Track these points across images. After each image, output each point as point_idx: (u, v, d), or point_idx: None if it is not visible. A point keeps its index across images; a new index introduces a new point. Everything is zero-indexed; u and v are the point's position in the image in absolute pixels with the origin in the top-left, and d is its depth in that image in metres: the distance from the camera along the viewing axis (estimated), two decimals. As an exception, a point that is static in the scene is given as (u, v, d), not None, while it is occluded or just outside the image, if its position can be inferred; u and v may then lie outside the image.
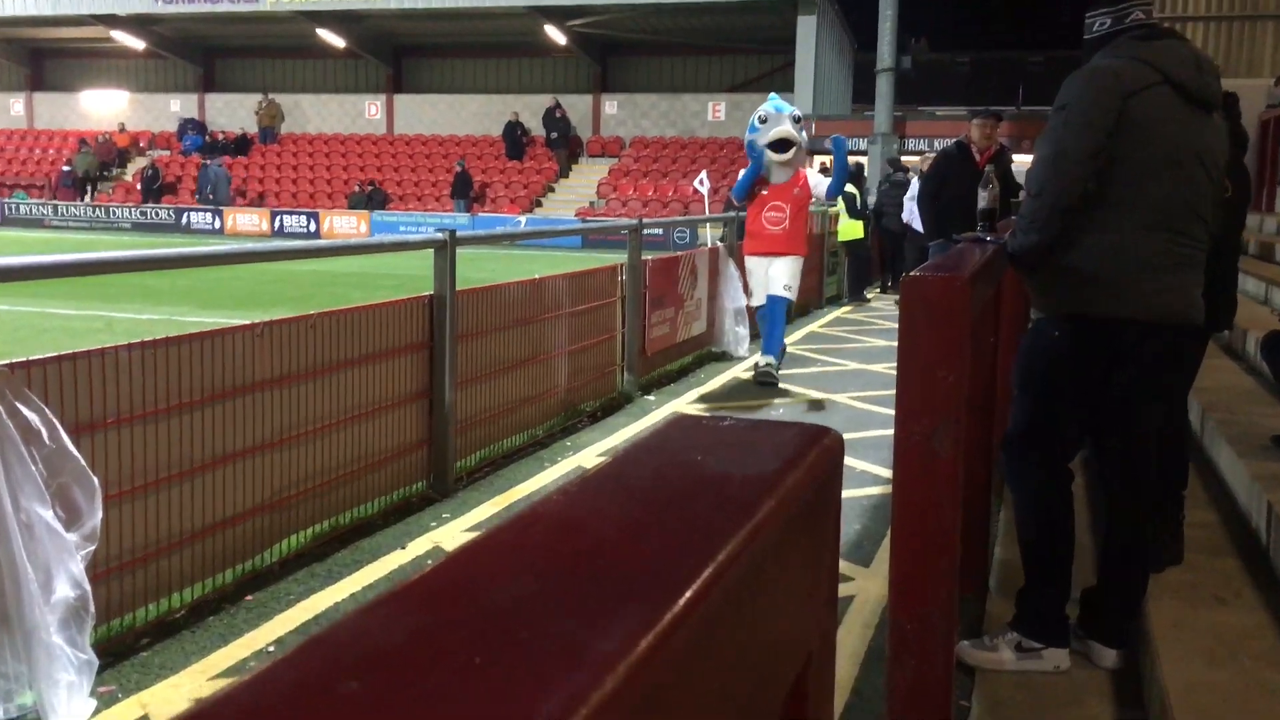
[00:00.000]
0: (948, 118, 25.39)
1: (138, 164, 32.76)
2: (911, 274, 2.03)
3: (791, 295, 8.30)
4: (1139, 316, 3.03)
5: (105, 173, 32.04)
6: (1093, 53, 3.20)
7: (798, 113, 8.46)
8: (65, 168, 31.16)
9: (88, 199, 30.39)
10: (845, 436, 0.84)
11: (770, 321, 8.25)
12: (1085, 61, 3.23)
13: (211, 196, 29.26)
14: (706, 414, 5.92)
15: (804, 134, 8.48)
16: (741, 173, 8.54)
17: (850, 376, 8.71)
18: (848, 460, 5.51)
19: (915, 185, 11.75)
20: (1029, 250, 3.11)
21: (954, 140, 8.79)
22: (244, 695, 0.38)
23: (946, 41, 38.44)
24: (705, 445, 0.75)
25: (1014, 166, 8.91)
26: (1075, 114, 3.02)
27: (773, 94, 8.85)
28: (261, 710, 0.38)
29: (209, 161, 30.21)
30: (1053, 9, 32.51)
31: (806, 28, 27.15)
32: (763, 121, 8.23)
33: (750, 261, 8.48)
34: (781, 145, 8.12)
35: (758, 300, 8.37)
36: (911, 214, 11.98)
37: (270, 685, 0.39)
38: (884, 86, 22.04)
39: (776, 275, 8.20)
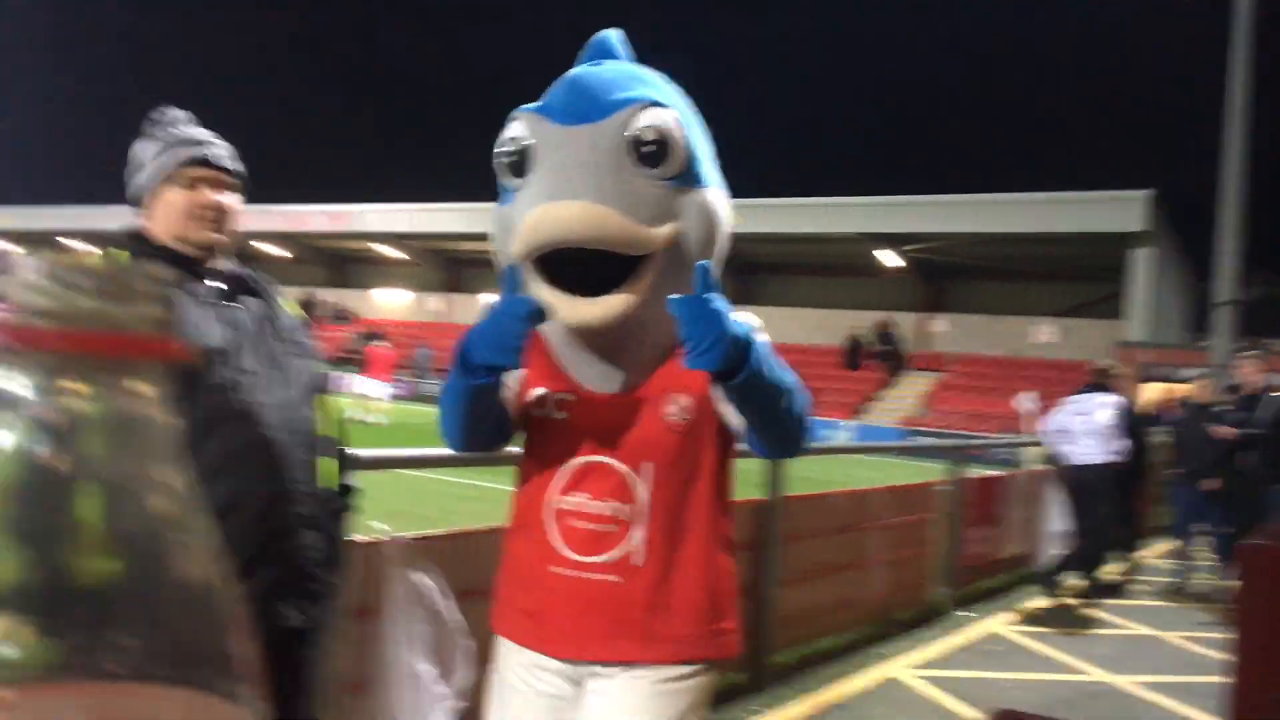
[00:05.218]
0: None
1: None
2: (1255, 539, 1.79)
3: None
4: None
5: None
6: None
7: (666, 116, 1.68)
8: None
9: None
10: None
11: None
12: None
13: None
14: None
15: (703, 188, 1.76)
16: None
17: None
18: None
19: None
20: None
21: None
22: None
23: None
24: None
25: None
26: None
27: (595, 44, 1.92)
28: None
29: None
30: None
31: (1141, 259, 25.80)
32: (514, 169, 1.78)
33: (509, 669, 1.93)
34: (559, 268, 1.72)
35: None
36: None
37: None
38: (1221, 319, 20.33)
39: None
